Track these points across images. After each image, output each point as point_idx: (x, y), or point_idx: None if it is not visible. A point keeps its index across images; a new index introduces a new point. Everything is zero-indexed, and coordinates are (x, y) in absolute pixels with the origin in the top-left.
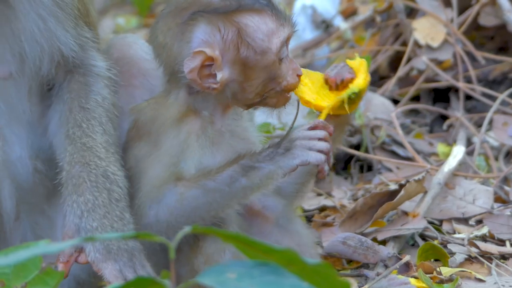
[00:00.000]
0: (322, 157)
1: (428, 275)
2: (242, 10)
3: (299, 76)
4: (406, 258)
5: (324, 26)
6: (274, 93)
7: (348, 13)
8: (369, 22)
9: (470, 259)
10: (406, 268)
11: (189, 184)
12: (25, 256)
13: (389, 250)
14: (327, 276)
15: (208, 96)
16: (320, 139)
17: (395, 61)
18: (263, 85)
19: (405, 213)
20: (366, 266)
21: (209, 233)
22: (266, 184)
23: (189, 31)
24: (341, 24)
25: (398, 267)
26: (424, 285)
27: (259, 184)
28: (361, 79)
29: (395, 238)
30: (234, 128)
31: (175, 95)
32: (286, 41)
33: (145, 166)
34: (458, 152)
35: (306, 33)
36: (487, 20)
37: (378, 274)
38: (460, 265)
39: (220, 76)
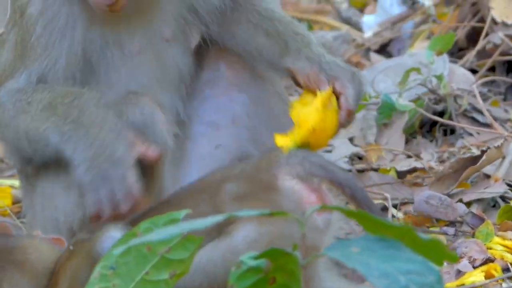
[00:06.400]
0: None
1: (509, 232)
2: None
3: None
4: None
5: (410, 2)
6: None
7: None
8: (450, 0)
9: None
10: (480, 222)
11: None
12: (176, 231)
13: (465, 208)
14: (437, 249)
15: None
16: None
17: (472, 34)
18: None
19: (487, 176)
20: (453, 224)
21: (337, 210)
22: None
23: None
24: (425, 1)
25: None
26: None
27: None
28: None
29: (479, 200)
30: None
31: None
32: None
33: None
34: None
35: (393, 8)
36: None
37: (457, 231)
38: None
39: None
